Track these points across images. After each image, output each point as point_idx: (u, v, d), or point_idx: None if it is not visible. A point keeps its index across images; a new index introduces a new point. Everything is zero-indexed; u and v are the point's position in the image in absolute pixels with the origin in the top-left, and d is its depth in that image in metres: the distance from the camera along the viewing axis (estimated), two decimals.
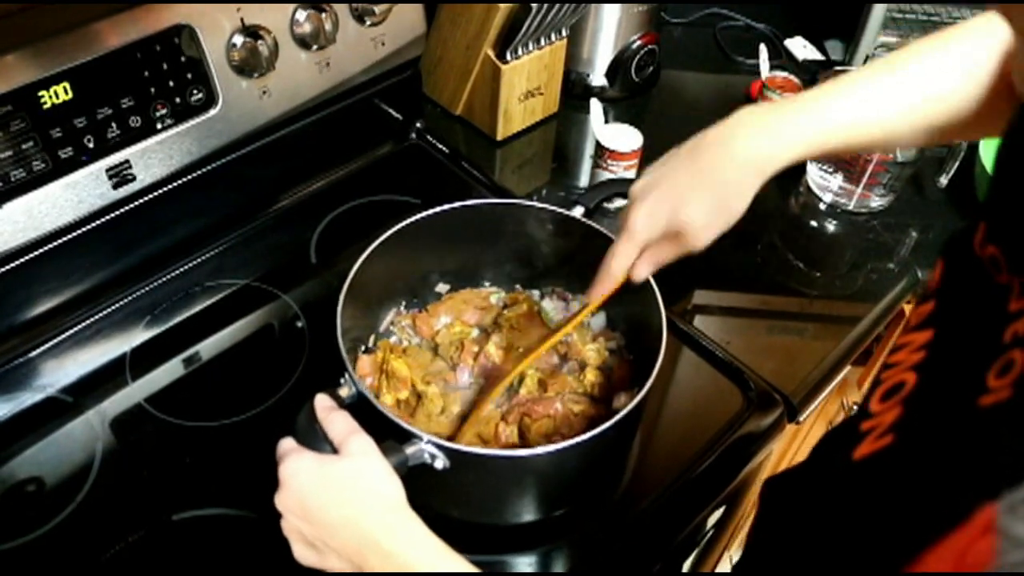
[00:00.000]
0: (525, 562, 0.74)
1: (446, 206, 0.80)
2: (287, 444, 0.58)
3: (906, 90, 0.59)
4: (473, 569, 0.53)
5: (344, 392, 0.65)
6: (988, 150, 1.11)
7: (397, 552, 0.53)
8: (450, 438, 0.75)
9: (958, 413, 0.35)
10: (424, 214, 0.79)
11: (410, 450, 0.61)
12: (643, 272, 0.69)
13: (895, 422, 0.40)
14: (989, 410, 0.33)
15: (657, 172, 0.65)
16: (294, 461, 0.56)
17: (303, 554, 0.57)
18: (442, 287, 0.89)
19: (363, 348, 0.82)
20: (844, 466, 0.44)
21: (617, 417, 0.64)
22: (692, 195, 0.62)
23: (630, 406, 0.66)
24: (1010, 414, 0.32)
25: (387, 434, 0.61)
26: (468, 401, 0.80)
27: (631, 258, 0.67)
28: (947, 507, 0.30)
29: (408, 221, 0.78)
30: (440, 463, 0.62)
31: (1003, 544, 0.28)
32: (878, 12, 1.23)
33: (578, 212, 0.81)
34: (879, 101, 0.60)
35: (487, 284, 0.90)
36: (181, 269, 0.96)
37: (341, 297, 0.71)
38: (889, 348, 0.44)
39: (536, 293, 0.90)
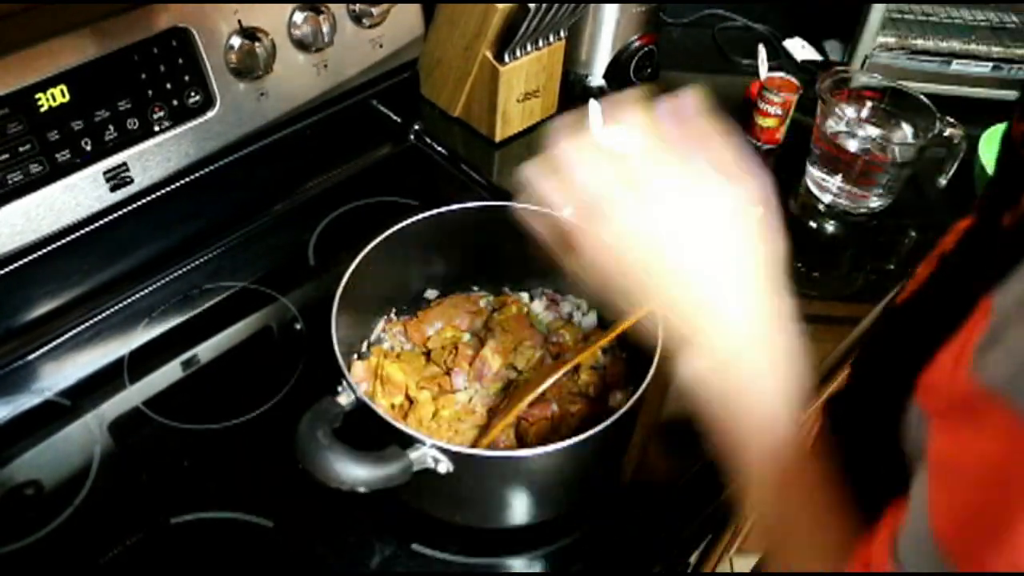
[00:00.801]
0: (526, 565, 0.74)
1: (431, 212, 0.80)
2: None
3: None
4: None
5: (343, 399, 0.65)
6: (988, 150, 1.11)
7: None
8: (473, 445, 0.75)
9: (978, 251, 0.43)
10: (407, 221, 0.78)
11: (414, 455, 0.61)
12: None
13: (932, 272, 0.48)
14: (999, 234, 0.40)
15: None
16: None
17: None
18: (431, 293, 0.88)
19: (356, 355, 0.82)
20: (888, 313, 0.52)
21: (617, 414, 0.64)
22: None
23: (629, 403, 0.65)
24: (1014, 235, 0.38)
25: (389, 439, 0.61)
26: (463, 405, 0.79)
27: None
28: (959, 310, 0.35)
29: (393, 229, 0.78)
30: (444, 467, 0.62)
31: (992, 317, 0.32)
32: (877, 12, 1.22)
33: (567, 212, 0.81)
34: None
35: (476, 289, 0.90)
36: (179, 271, 0.96)
37: (335, 305, 0.71)
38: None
39: (525, 295, 0.90)
